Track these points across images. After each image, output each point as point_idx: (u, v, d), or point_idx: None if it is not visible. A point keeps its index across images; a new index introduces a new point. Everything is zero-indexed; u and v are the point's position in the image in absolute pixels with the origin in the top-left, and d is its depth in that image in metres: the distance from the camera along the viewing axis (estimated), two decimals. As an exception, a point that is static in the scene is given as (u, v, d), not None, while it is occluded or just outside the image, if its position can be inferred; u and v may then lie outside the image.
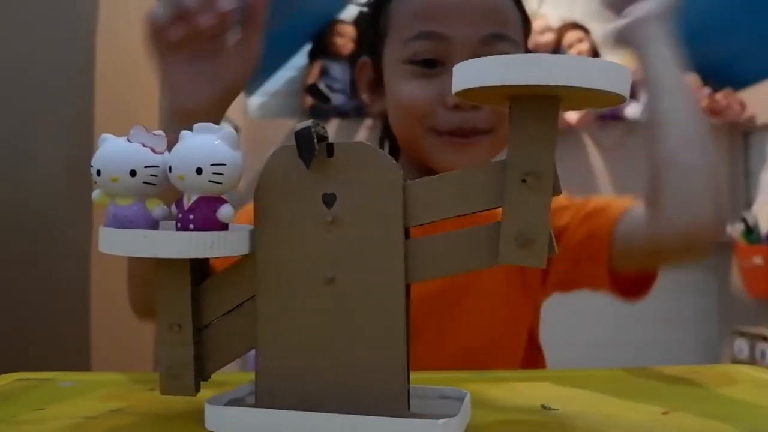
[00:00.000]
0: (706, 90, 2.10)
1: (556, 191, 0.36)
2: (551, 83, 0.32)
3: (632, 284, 0.70)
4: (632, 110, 2.03)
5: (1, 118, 1.09)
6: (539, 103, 0.35)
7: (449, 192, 0.38)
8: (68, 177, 1.09)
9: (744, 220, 1.84)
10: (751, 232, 1.82)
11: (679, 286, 2.19)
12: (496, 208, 0.37)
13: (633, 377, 0.56)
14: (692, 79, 2.07)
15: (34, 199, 1.08)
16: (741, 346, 1.79)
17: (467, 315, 0.71)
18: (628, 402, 0.47)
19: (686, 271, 2.20)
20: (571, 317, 2.15)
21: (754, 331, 1.73)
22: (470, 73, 0.34)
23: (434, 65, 0.65)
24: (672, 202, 0.64)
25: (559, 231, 0.69)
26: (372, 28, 0.73)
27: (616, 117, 2.03)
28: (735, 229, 1.89)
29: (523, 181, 0.36)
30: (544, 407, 0.45)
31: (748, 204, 2.06)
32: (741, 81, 2.18)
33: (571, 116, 2.00)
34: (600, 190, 2.12)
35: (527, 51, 0.73)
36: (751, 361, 1.74)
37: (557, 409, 0.45)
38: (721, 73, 2.14)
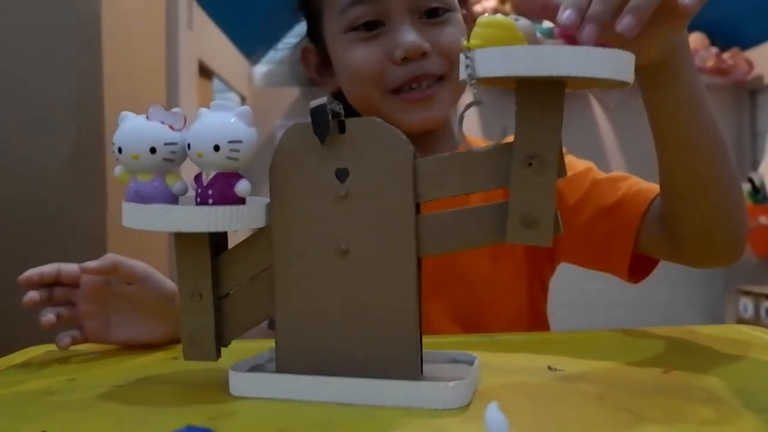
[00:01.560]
0: (714, 49, 2.08)
1: (561, 174, 0.37)
2: (561, 74, 0.33)
3: (637, 268, 0.70)
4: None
5: (10, 96, 1.10)
6: (545, 88, 0.36)
7: (458, 171, 0.39)
8: (80, 152, 1.10)
9: (750, 180, 1.84)
10: (757, 192, 1.83)
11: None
12: (503, 188, 0.38)
13: (635, 338, 0.57)
14: (700, 38, 2.05)
15: (47, 176, 1.10)
16: (746, 304, 1.82)
17: (461, 276, 0.71)
18: (630, 362, 0.49)
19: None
20: (576, 279, 2.18)
21: (758, 290, 1.75)
22: (490, 63, 0.35)
23: (375, 26, 0.66)
24: (711, 218, 0.59)
25: (575, 206, 0.69)
26: (306, 11, 0.73)
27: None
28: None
29: (529, 164, 0.37)
30: (550, 368, 0.47)
31: (755, 164, 2.06)
32: (748, 40, 2.15)
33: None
34: (605, 150, 2.11)
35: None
36: (756, 319, 1.76)
37: (563, 370, 0.47)
38: (728, 32, 2.11)
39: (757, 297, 1.76)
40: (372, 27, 0.66)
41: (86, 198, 1.12)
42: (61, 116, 1.11)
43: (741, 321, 1.84)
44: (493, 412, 0.24)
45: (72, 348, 0.57)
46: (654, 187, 0.66)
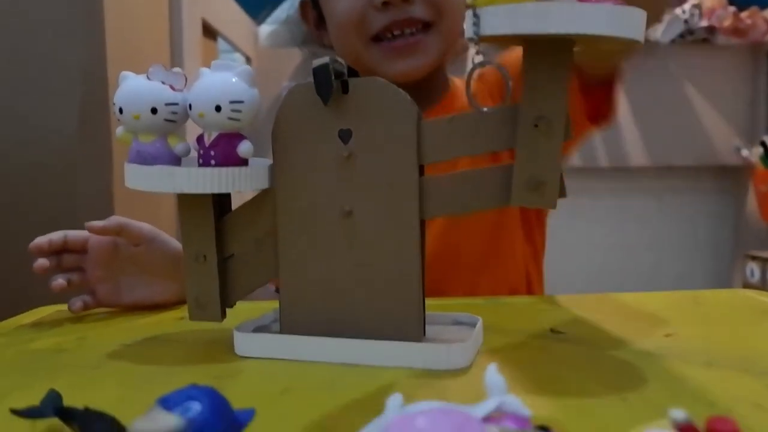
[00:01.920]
0: (731, 9, 2.02)
1: (568, 136, 0.36)
2: (569, 32, 0.32)
3: (598, 106, 0.70)
4: (653, 33, 1.97)
5: (14, 60, 1.09)
6: (554, 49, 0.35)
7: (463, 131, 0.39)
8: (85, 115, 1.10)
9: (763, 144, 1.81)
10: (769, 156, 1.80)
11: (694, 212, 2.20)
12: (509, 149, 0.38)
13: (638, 301, 0.58)
14: (717, -3, 1.99)
15: (52, 139, 1.10)
16: (752, 269, 1.81)
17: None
18: (632, 325, 0.49)
19: (702, 196, 2.20)
20: (584, 244, 2.18)
21: (765, 255, 1.74)
22: (496, 21, 0.34)
23: None
24: None
25: None
26: None
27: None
28: (753, 154, 1.87)
29: (536, 126, 0.36)
30: (552, 331, 0.47)
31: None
32: (768, -1, 2.09)
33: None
34: (619, 113, 2.08)
35: None
36: (762, 284, 1.76)
37: (564, 333, 0.47)
38: (747, -10, 2.05)
39: (764, 262, 1.75)
40: None
41: (92, 160, 1.12)
42: (64, 80, 1.11)
43: (747, 286, 1.84)
44: (492, 374, 0.24)
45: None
46: None
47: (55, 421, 0.29)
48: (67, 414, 0.28)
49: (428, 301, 0.42)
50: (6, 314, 0.59)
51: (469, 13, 0.35)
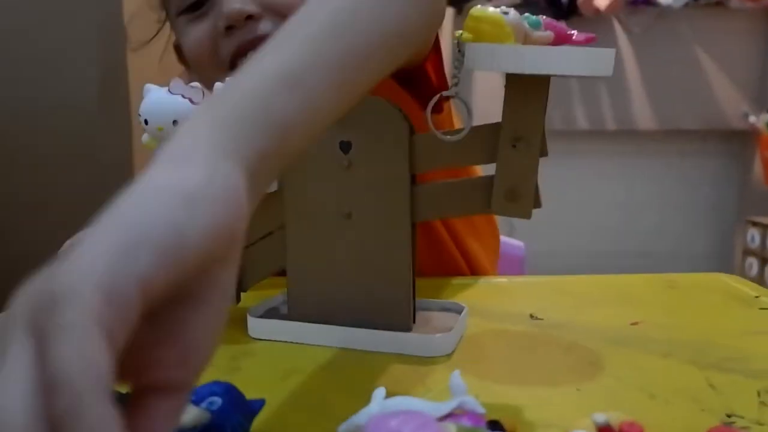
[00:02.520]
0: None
1: (543, 153, 0.41)
2: (542, 72, 0.36)
3: None
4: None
5: (35, 34, 1.13)
6: (531, 80, 0.39)
7: (450, 147, 0.43)
8: (104, 86, 1.14)
9: (769, 111, 1.82)
10: (775, 123, 1.81)
11: (700, 175, 2.22)
12: (490, 163, 0.42)
13: (615, 285, 0.63)
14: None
15: (73, 110, 1.14)
16: (753, 235, 1.85)
17: None
18: (603, 311, 0.54)
19: (709, 160, 2.22)
20: (592, 202, 2.22)
21: (766, 221, 1.77)
22: (479, 59, 0.37)
23: (200, 6, 0.63)
24: None
25: None
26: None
27: (648, 1, 1.95)
28: (761, 120, 1.88)
29: (513, 145, 0.41)
30: (531, 317, 0.53)
31: (778, 94, 2.03)
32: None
33: (601, 1, 1.93)
34: (628, 77, 2.09)
35: None
36: (762, 249, 1.80)
37: (542, 319, 0.52)
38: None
39: (765, 228, 1.79)
40: (198, 6, 0.62)
41: (112, 130, 1.17)
42: (83, 52, 1.15)
43: (747, 251, 1.88)
44: (455, 378, 0.29)
45: None
46: None
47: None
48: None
49: (425, 282, 0.47)
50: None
51: (453, 47, 0.39)
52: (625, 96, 2.06)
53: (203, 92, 0.46)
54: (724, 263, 2.22)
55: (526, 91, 0.39)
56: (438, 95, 0.40)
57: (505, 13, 0.38)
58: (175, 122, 0.45)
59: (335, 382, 0.40)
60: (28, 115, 1.15)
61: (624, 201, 2.25)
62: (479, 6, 0.39)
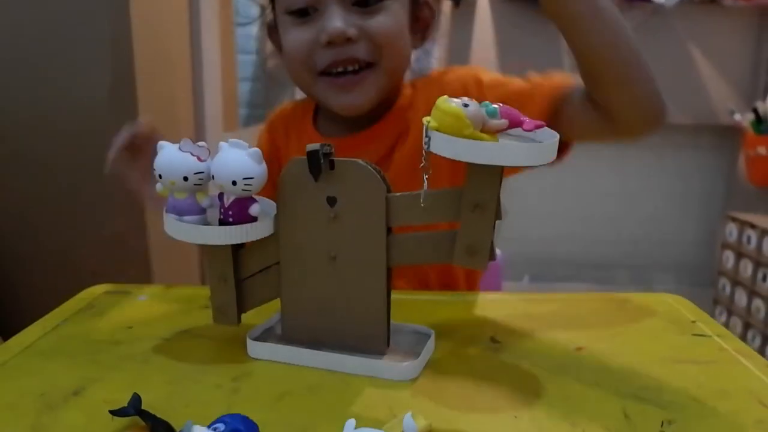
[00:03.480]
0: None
1: (498, 217, 0.49)
2: (494, 164, 0.44)
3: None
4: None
5: (46, 35, 1.19)
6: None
7: (420, 206, 0.51)
8: (114, 84, 1.21)
9: (755, 110, 1.87)
10: (760, 122, 1.87)
11: (691, 168, 2.29)
12: (455, 222, 0.50)
13: (573, 305, 0.71)
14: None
15: (83, 107, 1.21)
16: (731, 230, 1.93)
17: None
18: (556, 334, 0.63)
19: (699, 153, 2.28)
20: (585, 192, 2.29)
21: (743, 217, 1.85)
22: (441, 146, 0.45)
23: (307, 14, 0.70)
24: (634, 82, 0.66)
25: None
26: None
27: (643, -2, 1.99)
28: (745, 118, 1.93)
29: (473, 210, 0.48)
30: (492, 339, 0.61)
31: (765, 93, 2.08)
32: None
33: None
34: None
35: None
36: (738, 245, 1.88)
37: (500, 342, 0.61)
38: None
39: (742, 224, 1.86)
40: (304, 14, 0.71)
41: (121, 124, 1.24)
42: (93, 53, 1.21)
43: (726, 245, 1.96)
44: (407, 419, 0.38)
45: (122, 289, 0.74)
46: (559, 80, 0.72)
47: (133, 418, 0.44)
48: (143, 414, 0.43)
49: (400, 294, 0.55)
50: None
51: (424, 129, 0.47)
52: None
53: (209, 151, 0.54)
54: (710, 253, 2.30)
55: (484, 170, 0.47)
56: (421, 167, 0.48)
57: (466, 105, 0.45)
58: (185, 178, 0.53)
59: (320, 404, 0.48)
60: (38, 115, 1.22)
61: (618, 191, 2.33)
62: (445, 98, 0.46)
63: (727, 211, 2.08)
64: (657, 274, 2.37)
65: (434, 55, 2.08)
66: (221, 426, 0.39)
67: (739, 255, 1.89)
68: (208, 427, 0.38)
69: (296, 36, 0.71)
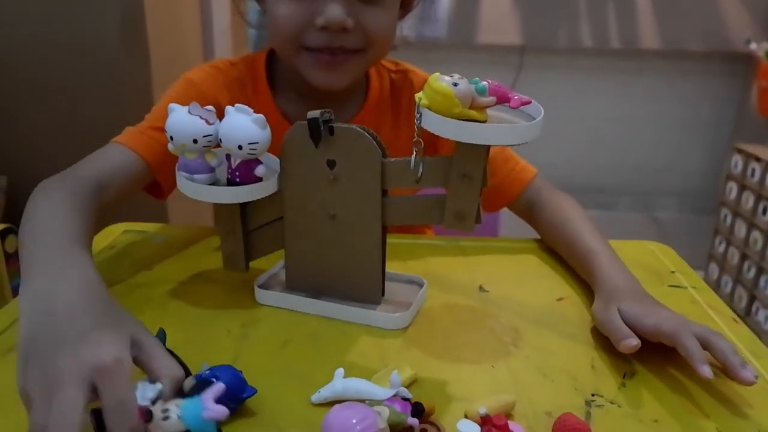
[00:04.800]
0: None
1: (484, 185, 0.52)
2: (479, 143, 0.47)
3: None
4: None
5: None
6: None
7: (412, 172, 0.54)
8: (125, 19, 1.21)
9: (772, 40, 1.82)
10: (774, 52, 1.83)
11: (701, 95, 2.26)
12: (444, 187, 0.54)
13: (555, 256, 0.75)
14: None
15: (95, 41, 1.22)
16: (737, 161, 1.93)
17: None
18: (540, 284, 0.68)
19: (710, 79, 2.25)
20: (592, 116, 2.28)
21: (750, 149, 1.85)
22: (432, 124, 0.48)
23: None
24: None
25: None
26: None
27: None
28: (761, 48, 1.89)
29: (461, 178, 0.52)
30: (480, 288, 0.66)
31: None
32: None
33: None
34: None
35: None
36: (743, 177, 1.90)
37: (488, 291, 0.66)
38: None
39: (748, 156, 1.87)
40: None
41: (133, 61, 1.25)
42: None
43: (730, 176, 1.98)
44: (394, 375, 0.43)
45: (140, 228, 0.79)
46: (527, 175, 0.82)
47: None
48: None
49: (398, 239, 0.60)
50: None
51: (416, 105, 0.49)
52: (631, 14, 2.06)
53: (216, 115, 0.57)
54: (714, 183, 2.32)
55: (472, 145, 0.50)
56: (414, 143, 0.51)
57: (456, 84, 0.48)
58: (195, 140, 0.56)
59: (319, 351, 0.54)
60: (50, 53, 1.23)
61: (624, 115, 2.31)
62: (438, 75, 0.48)
63: (734, 141, 2.08)
64: (660, 199, 2.40)
65: (442, 17, 2.05)
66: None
67: (743, 187, 1.91)
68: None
69: (289, 11, 0.69)
